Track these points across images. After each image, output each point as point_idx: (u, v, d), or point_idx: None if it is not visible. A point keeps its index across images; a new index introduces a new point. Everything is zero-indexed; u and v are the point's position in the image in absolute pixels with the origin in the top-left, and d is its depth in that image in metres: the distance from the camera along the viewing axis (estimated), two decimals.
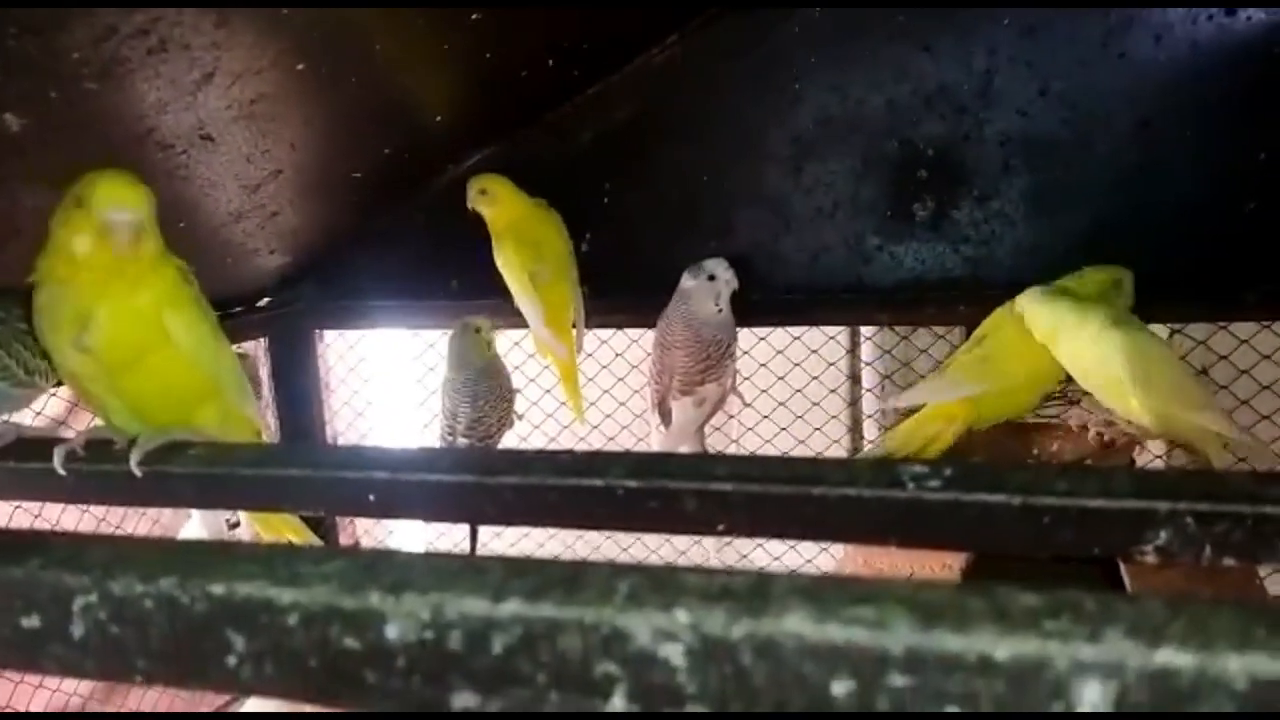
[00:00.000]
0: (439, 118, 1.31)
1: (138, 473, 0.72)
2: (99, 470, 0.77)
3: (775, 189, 1.53)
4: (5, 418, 0.89)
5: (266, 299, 1.69)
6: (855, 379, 1.77)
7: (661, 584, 0.39)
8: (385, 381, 1.92)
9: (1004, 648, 0.33)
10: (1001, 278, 1.45)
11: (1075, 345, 1.16)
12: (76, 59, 0.68)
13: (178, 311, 0.79)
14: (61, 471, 0.75)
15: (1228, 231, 1.38)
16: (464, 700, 0.39)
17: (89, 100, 0.75)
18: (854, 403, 1.79)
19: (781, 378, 1.64)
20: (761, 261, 1.52)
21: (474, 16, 1.05)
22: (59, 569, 0.45)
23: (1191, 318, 1.46)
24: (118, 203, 0.73)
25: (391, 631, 0.40)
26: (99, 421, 0.84)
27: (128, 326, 0.76)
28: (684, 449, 1.48)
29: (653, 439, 1.56)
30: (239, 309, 1.63)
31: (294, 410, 1.74)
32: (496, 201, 1.47)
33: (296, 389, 1.74)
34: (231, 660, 0.42)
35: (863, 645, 0.35)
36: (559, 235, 1.52)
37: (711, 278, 1.43)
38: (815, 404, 1.66)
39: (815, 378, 1.64)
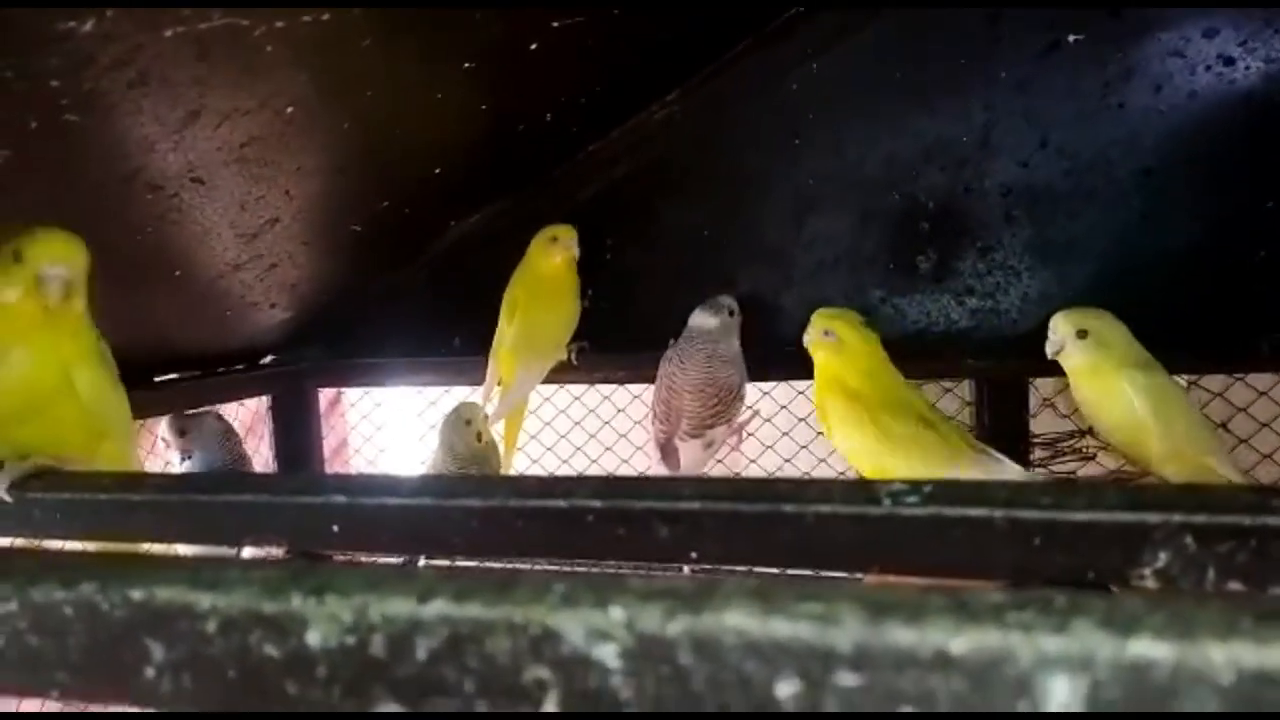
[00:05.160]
0: (438, 170, 1.32)
1: (8, 498, 0.71)
2: None
3: (776, 243, 1.52)
4: None
5: (270, 357, 1.69)
6: None
7: (599, 585, 0.36)
8: (400, 441, 1.91)
9: (961, 641, 0.30)
10: (1008, 328, 1.43)
11: (1097, 383, 1.17)
12: (56, 87, 0.69)
13: (87, 368, 0.82)
14: None
15: (1239, 280, 1.35)
16: (388, 711, 0.36)
17: (71, 133, 0.76)
18: None
19: (786, 433, 1.61)
20: (763, 315, 1.50)
21: (466, 65, 1.06)
22: None
23: (1205, 369, 1.43)
24: (55, 258, 0.75)
25: (312, 637, 0.37)
26: None
27: (38, 375, 0.79)
28: None
29: None
30: (241, 366, 1.63)
31: (294, 468, 1.72)
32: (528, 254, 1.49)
33: (297, 447, 1.72)
34: (150, 671, 0.40)
35: (808, 641, 0.32)
36: (546, 298, 1.50)
37: (732, 313, 1.43)
38: (822, 460, 1.62)
39: (820, 433, 1.60)
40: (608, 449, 1.73)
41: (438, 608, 0.36)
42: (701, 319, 1.43)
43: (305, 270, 1.41)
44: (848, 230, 1.50)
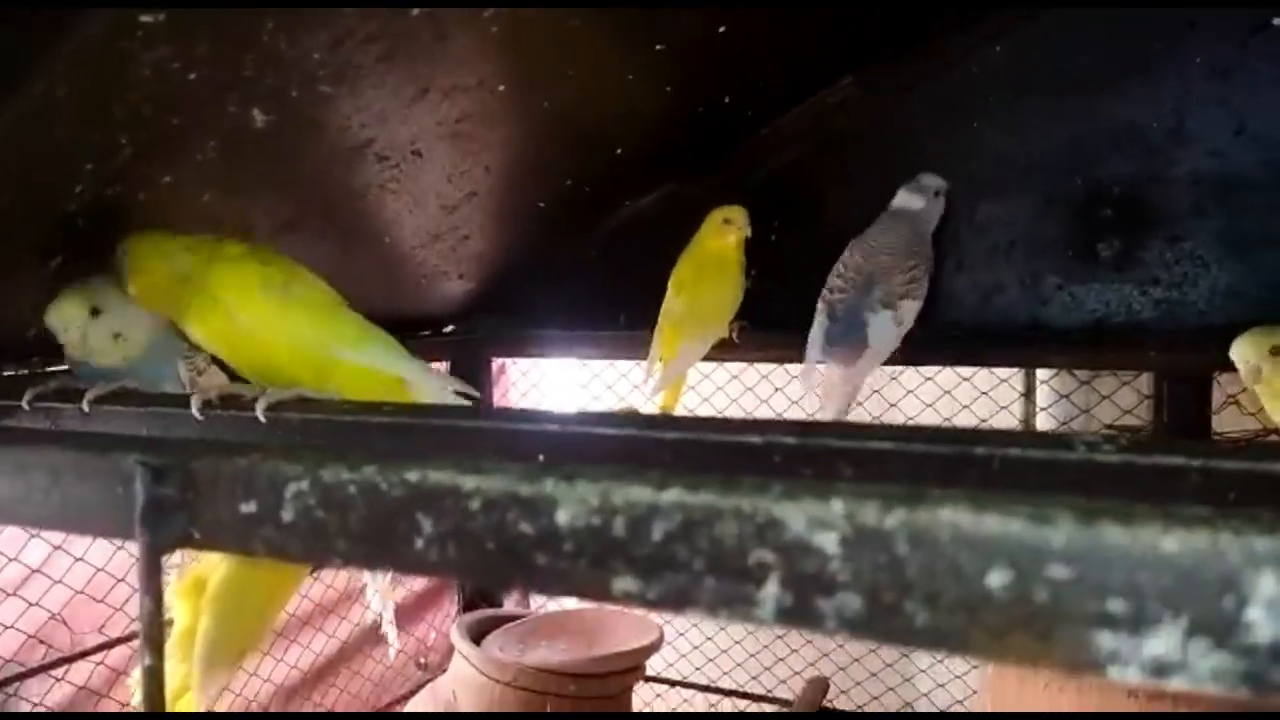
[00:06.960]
0: (619, 150, 1.39)
1: (263, 419, 0.81)
2: (233, 416, 0.84)
3: (947, 226, 1.51)
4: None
5: (451, 326, 1.81)
6: (1029, 425, 1.70)
7: (817, 483, 0.40)
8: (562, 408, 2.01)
9: (1171, 540, 0.33)
10: (1194, 321, 1.38)
11: None
12: (316, 59, 0.78)
13: (241, 303, 0.88)
14: (199, 416, 0.83)
15: None
16: (624, 584, 0.42)
17: (324, 103, 0.86)
18: None
19: (948, 419, 1.60)
20: (930, 298, 1.50)
21: (658, 47, 1.12)
22: (278, 459, 0.51)
23: None
24: None
25: (562, 517, 0.43)
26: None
27: (210, 325, 0.89)
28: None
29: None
30: (426, 332, 1.75)
31: None
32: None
33: None
34: (420, 542, 0.46)
35: (1021, 536, 0.35)
36: (712, 276, 1.54)
37: (938, 193, 1.43)
38: None
39: (984, 421, 1.59)
40: None
41: (674, 495, 0.41)
42: (905, 199, 1.43)
43: (491, 242, 1.51)
44: (1024, 215, 1.47)
